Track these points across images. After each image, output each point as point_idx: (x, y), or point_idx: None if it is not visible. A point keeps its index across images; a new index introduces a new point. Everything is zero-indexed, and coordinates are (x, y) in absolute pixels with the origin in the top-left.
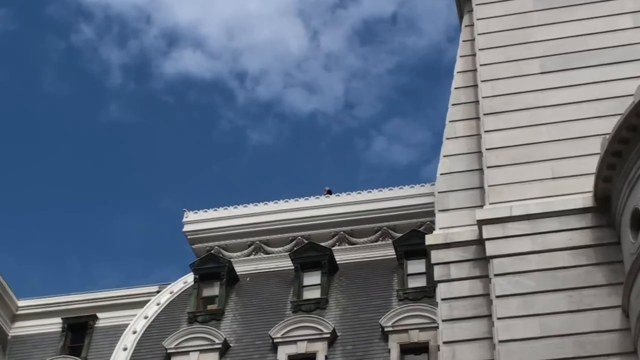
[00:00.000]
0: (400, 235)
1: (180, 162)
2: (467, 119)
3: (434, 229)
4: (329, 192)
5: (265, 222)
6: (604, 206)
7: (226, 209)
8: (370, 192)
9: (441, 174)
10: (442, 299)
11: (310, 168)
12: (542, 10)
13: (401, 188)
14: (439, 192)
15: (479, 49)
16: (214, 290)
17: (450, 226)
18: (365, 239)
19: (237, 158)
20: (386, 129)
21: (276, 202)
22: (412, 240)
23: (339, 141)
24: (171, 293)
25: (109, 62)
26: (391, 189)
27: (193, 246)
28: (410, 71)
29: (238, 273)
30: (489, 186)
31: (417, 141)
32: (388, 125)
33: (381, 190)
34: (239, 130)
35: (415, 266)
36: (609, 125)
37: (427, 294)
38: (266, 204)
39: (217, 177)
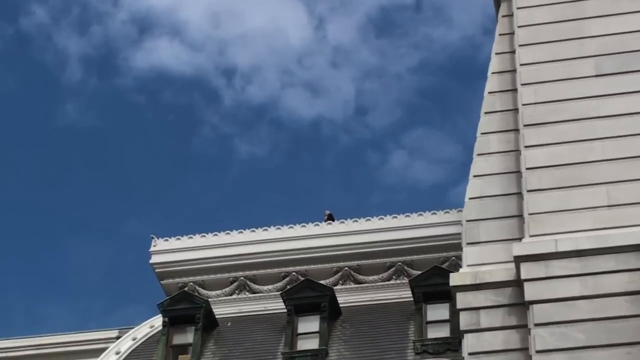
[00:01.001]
0: (419, 273)
1: (151, 177)
2: (504, 131)
3: (460, 266)
4: (331, 218)
5: (252, 254)
6: None
7: (204, 236)
8: (382, 219)
9: (470, 199)
10: (470, 354)
11: (310, 188)
12: None
13: (420, 215)
14: (467, 221)
15: (520, 45)
16: (187, 336)
17: (480, 263)
18: (375, 277)
19: (220, 174)
20: (407, 141)
21: (266, 230)
22: (433, 280)
23: (348, 155)
24: (134, 340)
25: (66, 53)
26: (408, 216)
27: (162, 282)
28: (438, 70)
29: (217, 316)
30: (530, 214)
31: (444, 157)
32: (409, 137)
33: (396, 217)
34: (225, 139)
35: (437, 312)
36: None
37: (450, 346)
38: (254, 231)
39: (195, 197)
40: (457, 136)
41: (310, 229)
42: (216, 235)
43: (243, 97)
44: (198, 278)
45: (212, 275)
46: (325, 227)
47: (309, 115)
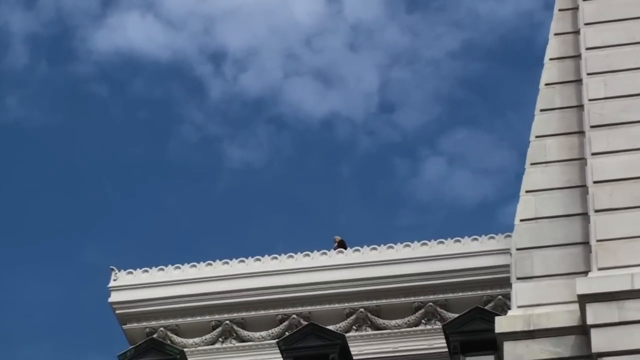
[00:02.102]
0: (455, 316)
1: (115, 190)
2: (565, 134)
3: (508, 308)
4: (342, 245)
5: (241, 292)
6: None
7: (180, 267)
8: (408, 246)
9: (522, 221)
10: None
11: (319, 206)
12: None
13: (457, 241)
14: (518, 250)
15: (585, 24)
16: None
17: (535, 304)
18: (398, 321)
19: (205, 187)
20: (445, 145)
21: (259, 260)
22: (473, 325)
23: (369, 164)
24: None
25: (8, 31)
26: (442, 242)
27: (125, 326)
28: (486, 55)
29: None
30: (598, 241)
31: (493, 166)
32: (448, 140)
33: (426, 244)
34: (211, 142)
35: None
36: None
37: None
38: (243, 261)
39: (171, 217)
40: (511, 139)
41: (316, 258)
42: (195, 266)
43: (235, 89)
44: (171, 322)
45: (189, 319)
46: (335, 257)
47: (319, 112)
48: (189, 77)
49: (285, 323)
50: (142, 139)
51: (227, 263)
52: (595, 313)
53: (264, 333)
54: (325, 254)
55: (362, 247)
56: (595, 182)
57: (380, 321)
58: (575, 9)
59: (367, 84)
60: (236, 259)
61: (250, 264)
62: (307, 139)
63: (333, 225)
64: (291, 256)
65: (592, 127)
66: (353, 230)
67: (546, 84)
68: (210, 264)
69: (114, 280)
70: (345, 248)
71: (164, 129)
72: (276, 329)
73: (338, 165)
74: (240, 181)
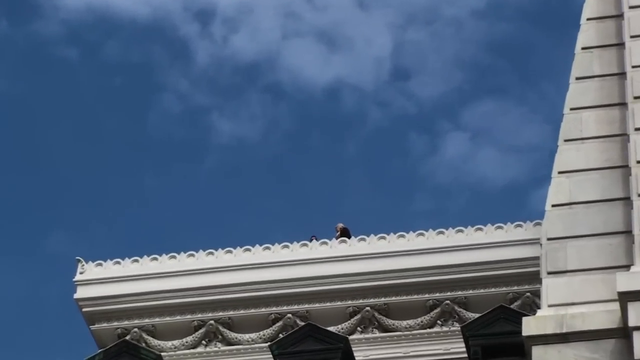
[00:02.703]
0: (476, 316)
1: (85, 169)
2: (604, 106)
3: (538, 307)
4: (345, 234)
5: (228, 287)
6: None
7: (156, 258)
8: (422, 235)
9: (554, 206)
10: None
11: (321, 188)
12: None
13: (479, 229)
14: (549, 240)
15: None
16: None
17: (568, 302)
18: (410, 322)
19: (190, 166)
20: (468, 118)
21: (249, 250)
22: (497, 327)
23: (380, 140)
24: None
25: None
26: (461, 231)
27: (93, 327)
28: (515, 14)
29: None
30: None
31: (524, 143)
32: (472, 113)
33: (442, 233)
34: (197, 114)
35: None
36: None
37: None
38: (230, 252)
39: (150, 200)
40: (544, 112)
41: (315, 249)
42: (175, 257)
43: (225, 53)
44: (147, 322)
45: (168, 318)
46: (337, 247)
47: (322, 79)
48: (171, 38)
49: (279, 324)
50: (117, 111)
51: (211, 254)
52: (639, 313)
53: (254, 335)
54: (325, 243)
55: (368, 236)
56: (639, 162)
57: (389, 322)
58: None
59: (378, 47)
60: (222, 249)
61: (239, 255)
62: (309, 111)
63: (337, 211)
64: (286, 246)
65: (635, 98)
66: (360, 217)
67: (583, 48)
68: (192, 255)
69: (81, 273)
70: (349, 237)
71: (142, 99)
72: (268, 330)
73: (344, 141)
74: (231, 159)
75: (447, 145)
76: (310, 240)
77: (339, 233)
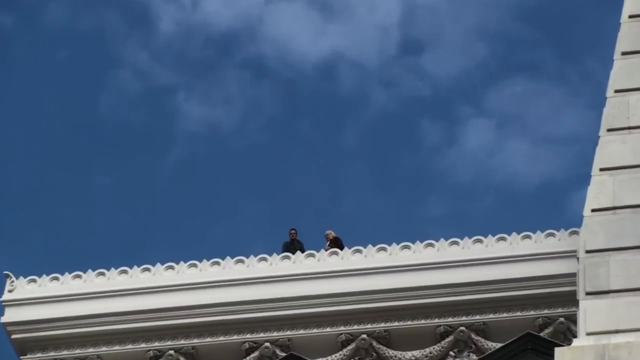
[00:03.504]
0: (498, 346)
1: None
2: None
3: (573, 335)
4: (337, 244)
5: (192, 308)
6: None
7: (104, 273)
8: (431, 245)
9: (595, 211)
10: None
11: (312, 187)
12: None
13: (502, 239)
14: (587, 252)
15: None
16: None
17: (611, 329)
18: (416, 353)
19: (149, 159)
20: (493, 102)
21: (217, 264)
22: (523, 359)
23: (386, 127)
24: None
25: None
26: (479, 241)
27: (24, 358)
28: None
29: None
30: None
31: (563, 132)
32: (498, 94)
33: (456, 243)
34: (160, 94)
35: None
36: None
37: None
38: (195, 265)
39: (99, 202)
40: (588, 95)
41: (300, 262)
42: (126, 272)
43: (194, 20)
44: (91, 351)
45: (117, 347)
46: (326, 260)
47: (315, 53)
48: (129, 1)
49: (255, 354)
50: (60, 90)
51: (172, 268)
52: None
53: None
54: (312, 255)
55: (365, 246)
56: None
57: (391, 352)
58: None
59: (383, 14)
60: (185, 262)
61: (206, 270)
62: (298, 92)
63: (330, 216)
64: (264, 259)
65: None
66: (358, 223)
67: (630, 16)
68: (148, 270)
69: (10, 291)
70: (342, 248)
71: (92, 76)
72: None
73: (341, 129)
74: (201, 152)
75: (468, 135)
76: (290, 235)
77: (329, 242)
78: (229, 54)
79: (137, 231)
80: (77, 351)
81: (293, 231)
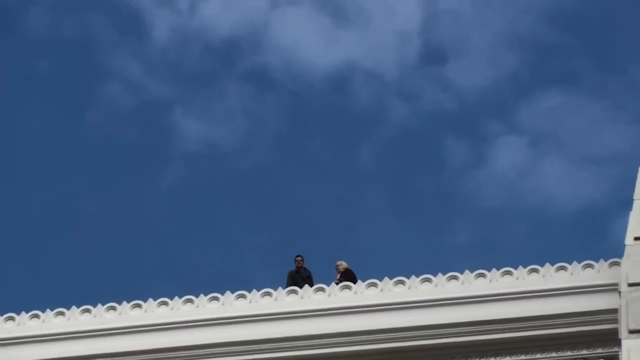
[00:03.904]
0: None
1: None
2: None
3: None
4: (348, 276)
5: (188, 349)
6: None
7: (89, 310)
8: (455, 278)
9: (637, 239)
10: None
11: (323, 214)
12: None
13: (534, 271)
14: (629, 286)
15: None
16: None
17: None
18: None
19: (142, 182)
20: (526, 117)
21: (216, 299)
22: None
23: (406, 146)
24: None
25: None
26: (509, 273)
27: None
28: None
29: None
30: None
31: (604, 151)
32: (532, 109)
33: (484, 276)
34: (154, 110)
35: None
36: None
37: None
38: (191, 301)
39: (86, 229)
40: (633, 108)
41: (308, 298)
42: (114, 309)
43: (192, 25)
44: None
45: None
46: (337, 295)
47: (326, 63)
48: (119, 6)
49: None
50: (43, 104)
51: (165, 304)
52: None
53: None
54: (322, 290)
55: (381, 279)
56: None
57: None
58: None
59: (402, 19)
60: (180, 297)
61: (203, 306)
62: (307, 106)
63: (343, 246)
64: (268, 293)
65: None
66: (375, 252)
67: None
68: (138, 306)
69: None
70: (355, 281)
71: (78, 89)
72: None
73: (355, 148)
74: (199, 174)
75: (498, 155)
76: (296, 263)
77: (340, 275)
78: (230, 64)
79: (127, 263)
80: None
81: (299, 258)
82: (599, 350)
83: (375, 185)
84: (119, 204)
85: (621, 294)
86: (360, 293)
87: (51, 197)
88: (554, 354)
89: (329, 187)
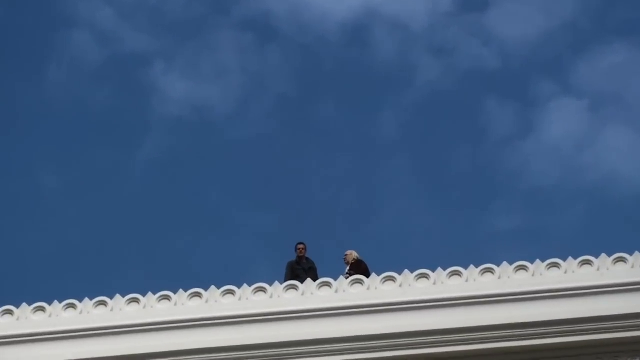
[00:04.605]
0: None
1: None
2: None
3: None
4: (359, 269)
5: (163, 356)
6: None
7: (43, 308)
8: (490, 271)
9: None
10: None
11: (333, 189)
12: None
13: (587, 263)
14: None
15: None
16: None
17: None
18: None
19: (114, 154)
20: (585, 75)
21: (198, 296)
22: None
23: (438, 109)
24: None
25: None
26: (556, 266)
27: None
28: None
29: None
30: None
31: None
32: (591, 66)
33: (525, 269)
34: (129, 64)
35: None
36: None
37: None
38: (168, 298)
39: (48, 209)
40: None
41: (311, 295)
42: (73, 307)
43: None
44: None
45: None
46: (346, 292)
47: (342, 10)
48: None
49: None
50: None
51: (136, 301)
52: None
53: None
54: (328, 285)
55: (400, 272)
56: None
57: None
58: None
59: None
60: (155, 294)
61: (183, 304)
62: (318, 63)
63: (356, 232)
64: (262, 289)
65: None
66: (394, 240)
67: None
68: (103, 304)
69: None
70: (367, 274)
71: (37, 40)
72: None
73: (376, 113)
74: (185, 144)
75: (550, 122)
76: (297, 252)
77: (349, 267)
78: (224, 10)
79: (94, 250)
80: None
81: (301, 246)
82: None
83: (400, 159)
84: (86, 180)
85: None
86: (374, 289)
87: (4, 171)
88: None
89: (343, 161)
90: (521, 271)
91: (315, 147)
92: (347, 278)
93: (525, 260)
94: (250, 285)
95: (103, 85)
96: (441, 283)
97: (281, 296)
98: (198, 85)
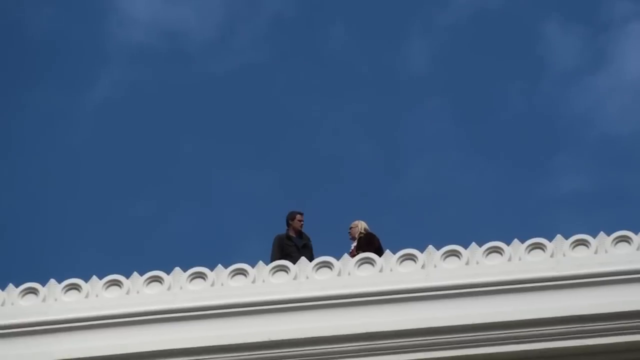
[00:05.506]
0: None
1: None
2: None
3: None
4: (369, 244)
5: None
6: None
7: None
8: (541, 247)
9: None
10: None
11: (340, 139)
12: None
13: (623, 239)
14: None
15: None
16: None
17: None
18: None
19: (60, 94)
20: None
21: (158, 281)
22: None
23: (483, 34)
24: None
25: None
26: (625, 240)
27: None
28: None
29: None
30: None
31: None
32: None
33: (585, 245)
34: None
35: None
36: None
37: None
38: (118, 283)
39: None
40: None
41: (307, 279)
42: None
43: None
44: None
45: None
46: (355, 275)
47: None
48: None
49: None
50: None
51: (75, 288)
52: None
53: None
54: (328, 266)
55: (422, 249)
56: None
57: None
58: None
59: None
60: (101, 278)
61: (138, 293)
62: None
63: (372, 196)
64: (241, 272)
65: None
66: (419, 205)
67: None
68: (32, 291)
69: None
70: (380, 252)
71: None
72: None
73: (403, 40)
74: (152, 79)
75: (629, 52)
76: (293, 222)
77: (356, 242)
78: None
79: (32, 220)
80: None
81: (299, 216)
82: None
83: (433, 100)
84: (24, 126)
85: None
86: (389, 271)
87: None
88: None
89: (358, 101)
90: (580, 247)
91: (321, 84)
92: (352, 256)
93: (588, 233)
94: (226, 267)
95: (43, 5)
96: (476, 263)
97: (267, 281)
98: (167, 4)
